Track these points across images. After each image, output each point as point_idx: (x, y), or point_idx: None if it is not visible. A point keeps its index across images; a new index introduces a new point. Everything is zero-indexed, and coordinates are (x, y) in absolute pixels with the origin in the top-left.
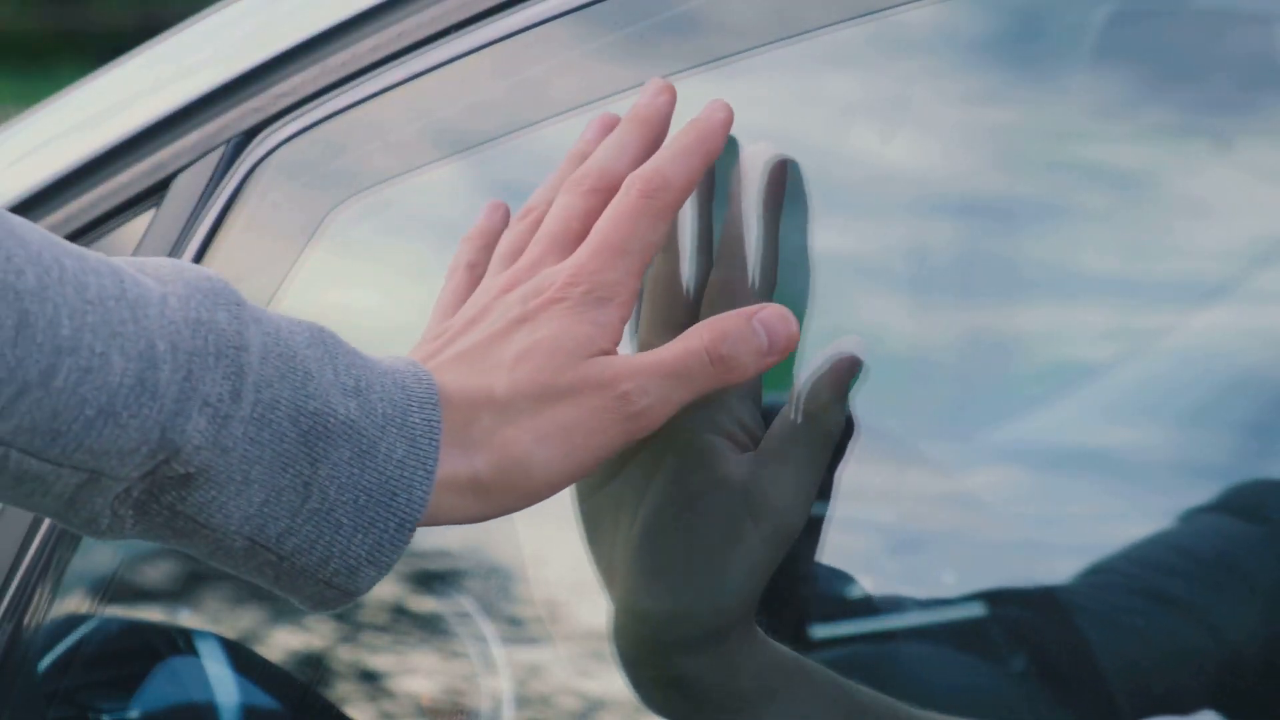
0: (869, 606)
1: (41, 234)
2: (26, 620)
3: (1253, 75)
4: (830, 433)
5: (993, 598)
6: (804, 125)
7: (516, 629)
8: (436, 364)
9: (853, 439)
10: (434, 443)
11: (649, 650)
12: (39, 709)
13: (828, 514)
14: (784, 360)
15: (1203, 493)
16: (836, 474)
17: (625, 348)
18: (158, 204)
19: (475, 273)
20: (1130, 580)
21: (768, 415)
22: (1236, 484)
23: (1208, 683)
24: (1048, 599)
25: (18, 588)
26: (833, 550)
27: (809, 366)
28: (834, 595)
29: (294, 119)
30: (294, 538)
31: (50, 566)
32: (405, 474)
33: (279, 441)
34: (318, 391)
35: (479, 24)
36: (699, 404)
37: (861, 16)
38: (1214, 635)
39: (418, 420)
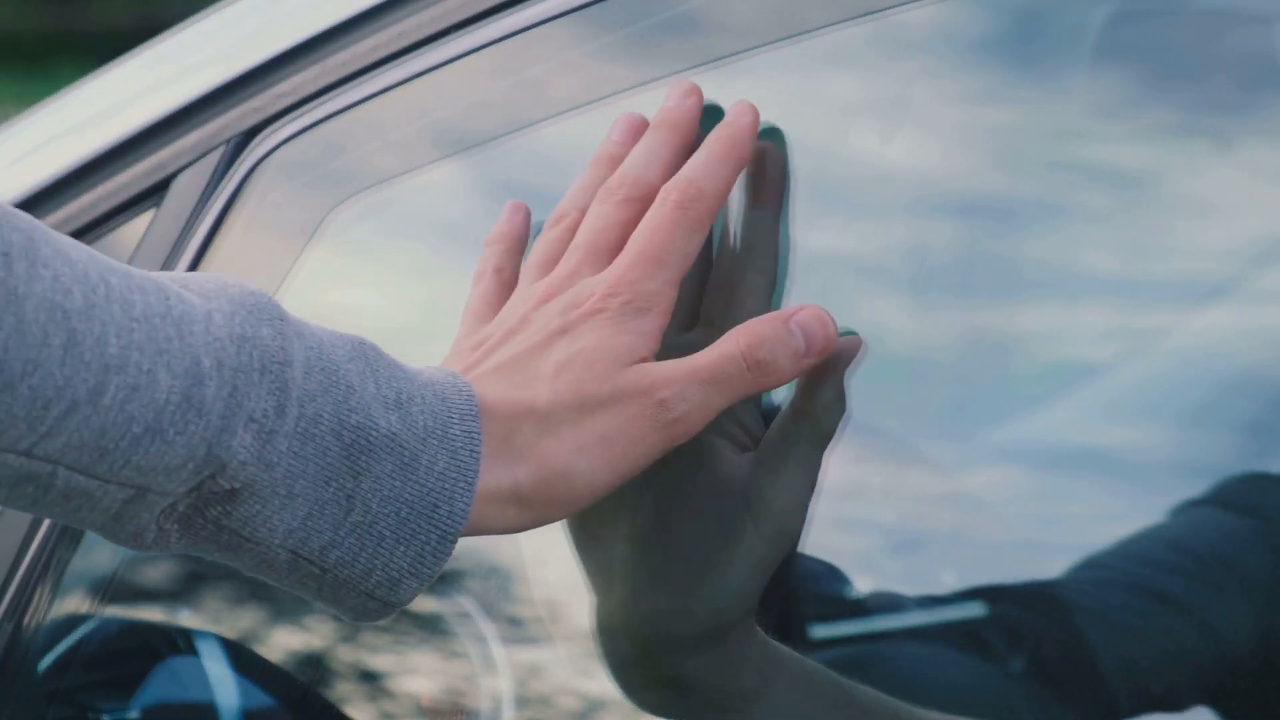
0: (869, 606)
1: (87, 252)
2: (26, 620)
3: (1253, 75)
4: (830, 433)
5: (993, 598)
6: (804, 125)
7: (516, 629)
8: (476, 375)
9: (853, 439)
10: (475, 455)
11: (649, 650)
12: (39, 709)
13: (828, 514)
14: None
15: (1203, 493)
16: (837, 474)
17: None
18: (158, 204)
19: (502, 277)
20: (1129, 578)
21: (768, 415)
22: (1234, 478)
23: (1206, 681)
24: (1048, 599)
25: (18, 588)
26: (833, 550)
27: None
28: (834, 595)
29: (294, 119)
30: (337, 550)
31: (50, 566)
32: (447, 486)
33: (322, 455)
34: (360, 405)
35: (479, 24)
36: None
37: (861, 16)
38: (1212, 633)
39: (458, 432)
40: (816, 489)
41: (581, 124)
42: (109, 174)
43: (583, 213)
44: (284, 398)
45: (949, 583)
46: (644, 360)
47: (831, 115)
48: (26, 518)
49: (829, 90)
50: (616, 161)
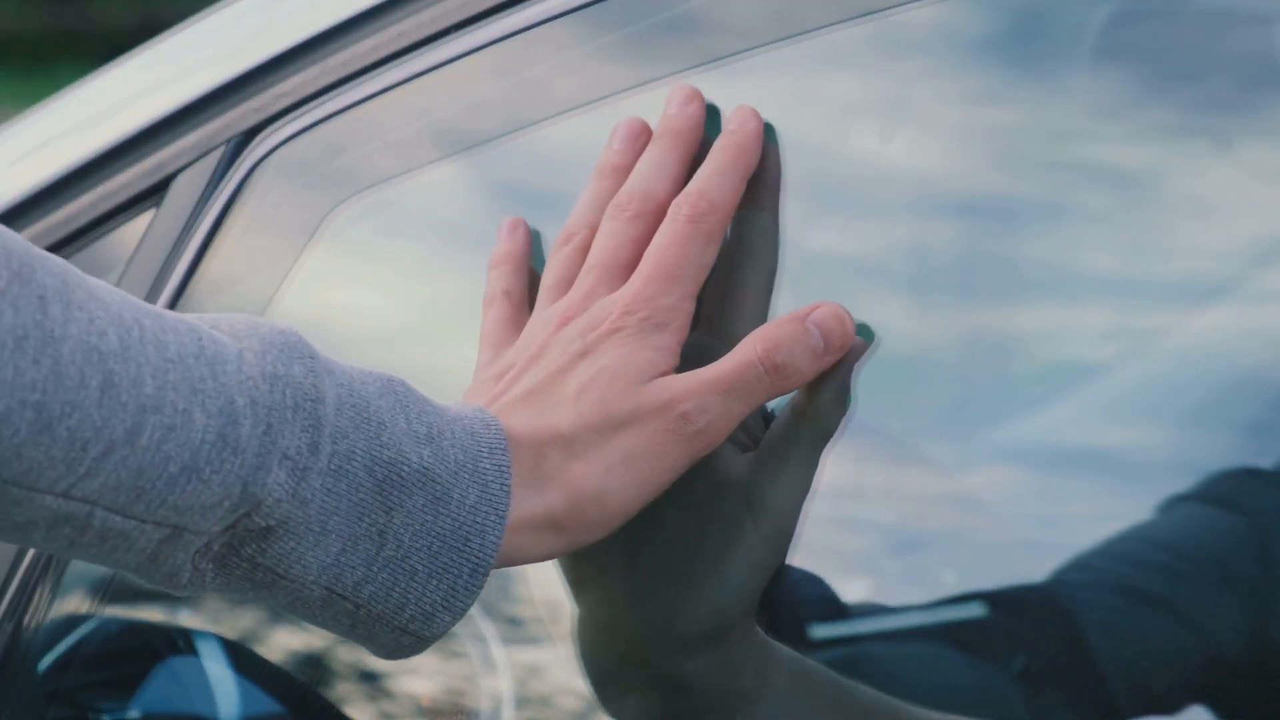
0: (869, 606)
1: (120, 295)
2: (26, 620)
3: (1253, 75)
4: (831, 433)
5: (992, 598)
6: (804, 125)
7: (516, 629)
8: (501, 406)
9: (853, 439)
10: (505, 487)
11: (649, 650)
12: (39, 709)
13: (828, 514)
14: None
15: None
16: (837, 474)
17: None
18: (158, 204)
19: (512, 299)
20: (1128, 579)
21: (768, 415)
22: (1233, 479)
23: (1205, 681)
24: (1048, 599)
25: (18, 588)
26: (833, 550)
27: None
28: (834, 595)
29: (294, 119)
30: (370, 585)
31: (50, 566)
32: (478, 519)
33: (355, 491)
34: (391, 441)
35: (479, 24)
36: None
37: (861, 16)
38: (1207, 635)
39: (488, 465)
40: (817, 489)
41: (581, 124)
42: (109, 174)
43: (591, 229)
44: (317, 435)
45: (949, 583)
46: (664, 375)
47: (831, 115)
48: None
49: (829, 90)
50: (619, 171)
